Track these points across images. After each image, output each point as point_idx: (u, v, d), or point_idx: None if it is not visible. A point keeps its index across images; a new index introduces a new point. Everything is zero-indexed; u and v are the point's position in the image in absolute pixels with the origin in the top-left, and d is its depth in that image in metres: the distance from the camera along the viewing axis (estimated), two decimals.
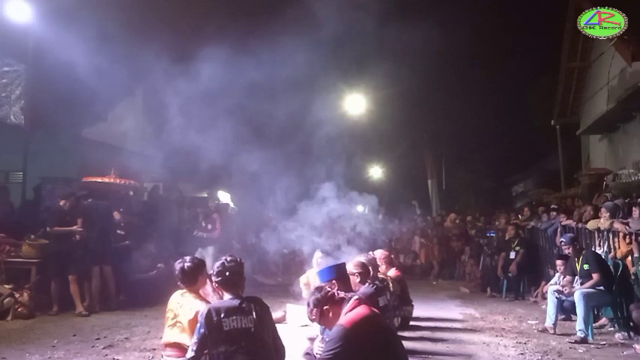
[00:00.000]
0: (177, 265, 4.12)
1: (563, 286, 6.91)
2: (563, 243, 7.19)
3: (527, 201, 16.44)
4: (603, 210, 7.52)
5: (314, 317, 3.53)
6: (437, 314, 8.04)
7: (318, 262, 6.37)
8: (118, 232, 8.70)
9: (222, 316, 3.27)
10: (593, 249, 7.59)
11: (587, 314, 6.22)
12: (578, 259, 6.78)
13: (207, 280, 4.11)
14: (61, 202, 7.85)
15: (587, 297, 6.23)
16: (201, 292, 4.17)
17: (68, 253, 7.63)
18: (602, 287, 6.40)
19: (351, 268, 5.02)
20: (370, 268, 5.29)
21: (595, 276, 6.41)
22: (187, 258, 4.16)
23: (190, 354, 3.30)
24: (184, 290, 4.08)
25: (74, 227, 7.69)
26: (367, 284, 4.93)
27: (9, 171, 11.84)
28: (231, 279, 3.52)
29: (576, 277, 6.85)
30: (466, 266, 12.69)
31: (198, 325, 3.31)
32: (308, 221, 6.95)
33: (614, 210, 7.45)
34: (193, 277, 4.08)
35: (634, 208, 7.01)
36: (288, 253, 12.97)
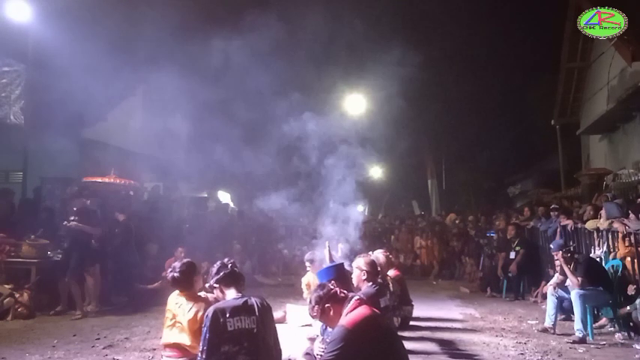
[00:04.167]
0: (169, 276, 4.11)
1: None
2: (551, 250, 7.11)
3: (527, 201, 16.43)
4: (603, 213, 7.51)
5: (315, 314, 3.55)
6: (437, 314, 8.03)
7: (308, 270, 6.48)
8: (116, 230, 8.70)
9: (227, 316, 3.27)
10: (592, 249, 7.57)
11: (585, 314, 6.20)
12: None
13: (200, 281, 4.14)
14: (88, 202, 7.92)
15: (584, 297, 6.21)
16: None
17: (86, 250, 7.63)
18: (600, 287, 6.38)
19: (360, 264, 5.04)
20: (380, 268, 5.34)
21: (577, 279, 6.34)
22: (176, 266, 4.12)
23: None
24: None
25: (94, 227, 7.68)
26: (370, 284, 4.94)
27: (9, 171, 11.85)
28: (230, 275, 3.56)
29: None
30: (466, 266, 12.69)
31: (205, 328, 3.27)
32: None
33: (615, 210, 7.41)
34: (188, 282, 4.08)
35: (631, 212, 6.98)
36: (287, 253, 13.03)
